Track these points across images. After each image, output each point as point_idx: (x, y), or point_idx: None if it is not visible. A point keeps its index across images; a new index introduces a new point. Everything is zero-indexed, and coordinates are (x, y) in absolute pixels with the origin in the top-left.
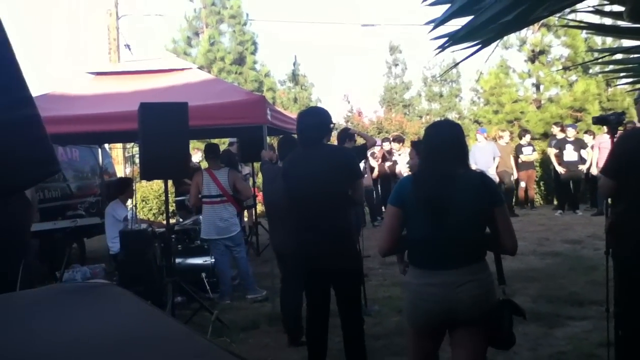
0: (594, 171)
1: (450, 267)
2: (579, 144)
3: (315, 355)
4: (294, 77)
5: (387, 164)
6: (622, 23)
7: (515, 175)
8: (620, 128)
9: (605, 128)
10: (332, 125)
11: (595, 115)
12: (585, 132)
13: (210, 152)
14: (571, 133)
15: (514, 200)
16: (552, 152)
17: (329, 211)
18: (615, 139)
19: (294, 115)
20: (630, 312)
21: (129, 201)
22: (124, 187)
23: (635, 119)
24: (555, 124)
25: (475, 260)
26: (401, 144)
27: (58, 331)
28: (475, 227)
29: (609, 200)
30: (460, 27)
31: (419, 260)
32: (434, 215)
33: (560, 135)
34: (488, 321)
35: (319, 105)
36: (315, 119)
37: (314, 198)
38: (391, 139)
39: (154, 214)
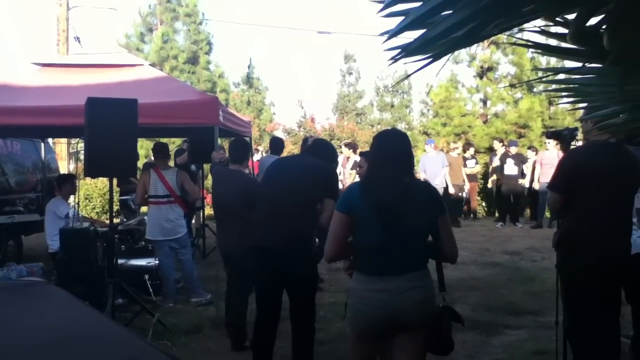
0: (536, 186)
1: (394, 273)
2: (520, 159)
3: None
4: (249, 80)
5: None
6: (565, 45)
7: (467, 186)
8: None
9: (547, 144)
10: (333, 161)
11: (538, 132)
12: (529, 148)
13: (159, 152)
14: (513, 150)
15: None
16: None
17: (296, 215)
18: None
19: (247, 117)
20: (579, 326)
21: (72, 198)
22: (63, 183)
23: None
24: (497, 139)
25: (419, 267)
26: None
27: None
28: (420, 235)
29: (551, 214)
30: (413, 39)
31: (364, 266)
32: (383, 222)
33: (501, 150)
34: (428, 327)
35: (272, 109)
36: (329, 147)
37: (284, 202)
38: (343, 144)
39: (97, 213)
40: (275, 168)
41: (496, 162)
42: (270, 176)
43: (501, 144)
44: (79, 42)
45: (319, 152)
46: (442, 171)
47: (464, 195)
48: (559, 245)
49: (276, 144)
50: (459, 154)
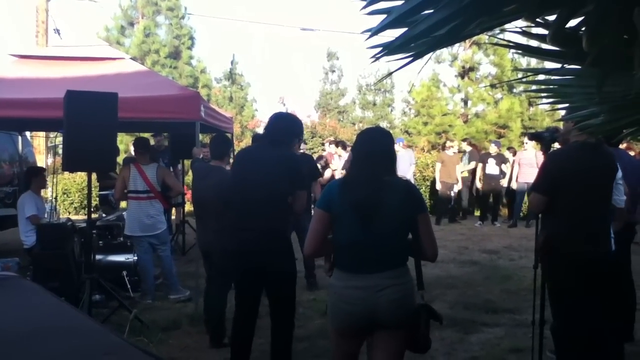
0: (514, 185)
1: (373, 271)
2: (501, 159)
3: (240, 357)
4: (231, 76)
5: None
6: (545, 46)
7: (459, 186)
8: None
9: (525, 145)
10: (301, 136)
11: (517, 132)
12: (508, 149)
13: (140, 147)
14: (493, 150)
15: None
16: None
17: (268, 211)
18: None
19: (228, 113)
20: (566, 325)
21: (47, 193)
22: (33, 177)
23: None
24: (464, 140)
25: (398, 265)
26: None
27: None
28: (399, 233)
29: (528, 213)
30: (395, 38)
31: (343, 264)
32: (361, 219)
33: (468, 150)
34: (406, 325)
35: (254, 105)
36: (287, 124)
37: (256, 195)
38: (327, 143)
39: (75, 208)
40: (241, 165)
41: (466, 162)
42: (237, 175)
43: (467, 142)
44: (59, 34)
45: (279, 137)
46: (410, 169)
47: (452, 193)
48: (544, 247)
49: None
50: (454, 152)
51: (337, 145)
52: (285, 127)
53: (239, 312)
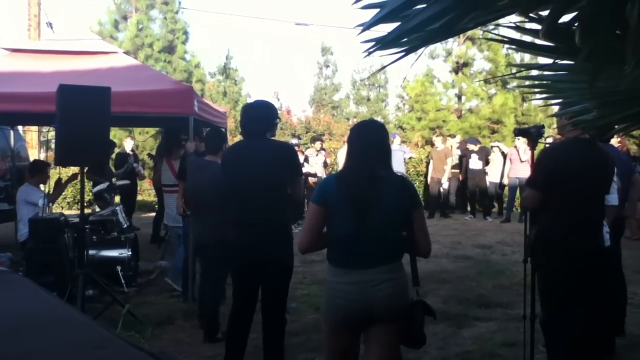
0: (505, 181)
1: (368, 266)
2: (484, 153)
3: (234, 352)
4: (225, 71)
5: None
6: (539, 41)
7: (445, 182)
8: (541, 140)
9: (517, 141)
10: (277, 120)
11: (510, 127)
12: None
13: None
14: (471, 146)
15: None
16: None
17: (268, 204)
18: (537, 151)
19: (222, 108)
20: (556, 319)
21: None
22: (36, 172)
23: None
24: (439, 135)
25: (393, 260)
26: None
27: None
28: (394, 228)
29: (521, 208)
30: (388, 32)
31: (338, 259)
32: (356, 214)
33: (440, 143)
34: (401, 320)
35: (249, 100)
36: (261, 112)
37: (254, 189)
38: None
39: (68, 203)
40: (233, 161)
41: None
42: (230, 170)
43: (441, 138)
44: (51, 27)
45: (261, 127)
46: (403, 164)
47: (442, 189)
48: (537, 241)
49: None
50: (442, 148)
51: (313, 142)
52: (260, 115)
53: (236, 306)
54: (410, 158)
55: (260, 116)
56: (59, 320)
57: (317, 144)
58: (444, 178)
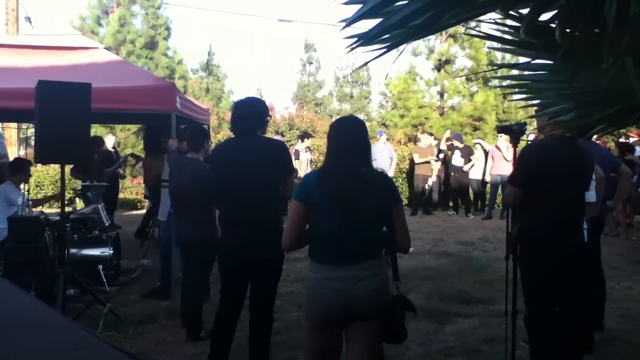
0: (487, 178)
1: (350, 262)
2: (467, 150)
3: (220, 351)
4: (208, 67)
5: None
6: (520, 38)
7: (433, 179)
8: (523, 138)
9: (499, 138)
10: (268, 117)
11: (491, 124)
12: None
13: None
14: (456, 144)
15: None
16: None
17: (260, 202)
18: (519, 149)
19: (205, 105)
20: (538, 315)
21: (23, 185)
22: (18, 170)
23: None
24: (423, 132)
25: (374, 256)
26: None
27: None
28: (376, 225)
29: (502, 205)
30: (370, 28)
31: (320, 255)
32: (338, 211)
33: (425, 139)
34: (382, 316)
35: (232, 97)
36: (251, 109)
37: (246, 187)
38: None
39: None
40: (224, 159)
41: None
42: (221, 169)
43: (425, 134)
44: (30, 22)
45: (251, 125)
46: (390, 163)
47: (427, 186)
48: (519, 238)
49: None
50: (427, 145)
51: (302, 140)
52: (252, 113)
53: (224, 305)
54: (391, 159)
55: (251, 113)
56: (37, 322)
57: (308, 141)
58: (433, 175)
